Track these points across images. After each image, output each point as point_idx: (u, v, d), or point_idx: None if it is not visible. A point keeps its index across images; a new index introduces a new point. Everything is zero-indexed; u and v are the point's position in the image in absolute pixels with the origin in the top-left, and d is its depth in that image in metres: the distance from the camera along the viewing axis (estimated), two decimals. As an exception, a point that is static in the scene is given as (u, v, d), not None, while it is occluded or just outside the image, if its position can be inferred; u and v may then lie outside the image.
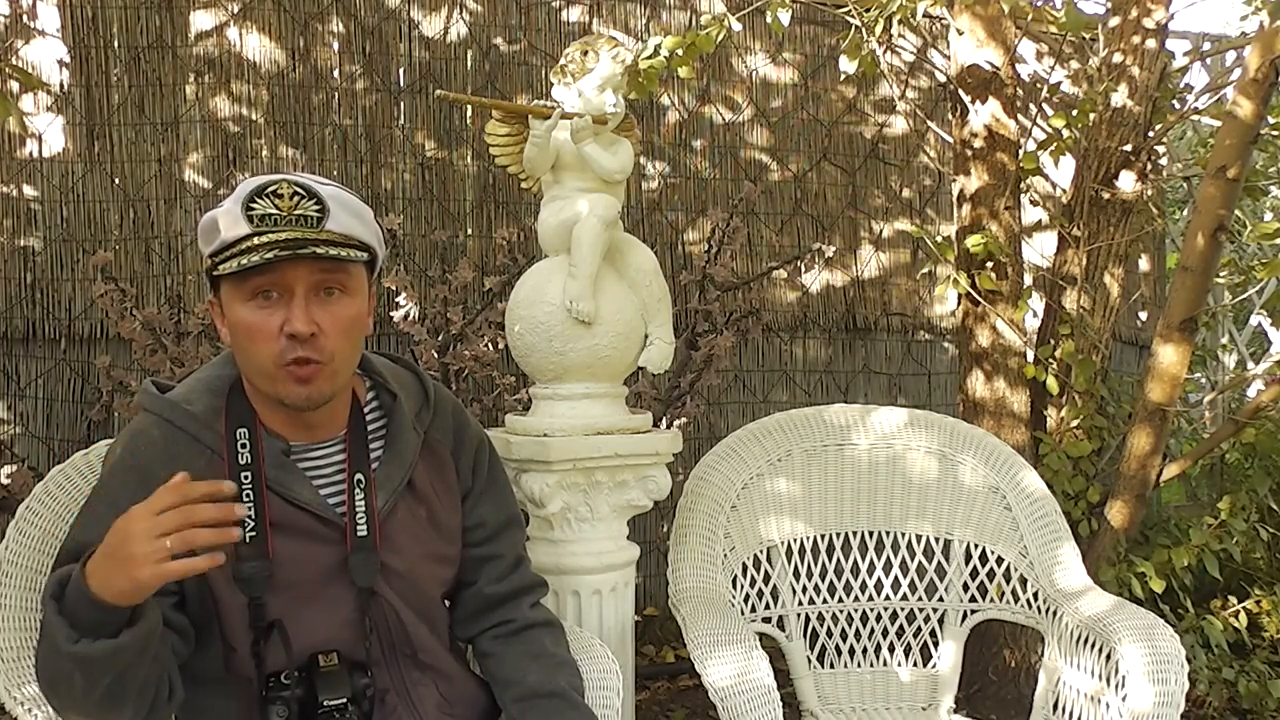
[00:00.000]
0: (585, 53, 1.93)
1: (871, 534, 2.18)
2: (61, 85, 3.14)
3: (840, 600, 2.16)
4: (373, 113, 3.32)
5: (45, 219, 3.15)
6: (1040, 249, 3.84)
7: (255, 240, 1.20)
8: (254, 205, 1.20)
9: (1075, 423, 2.81)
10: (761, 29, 3.68)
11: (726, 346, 3.03)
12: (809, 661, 2.13)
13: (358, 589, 1.30)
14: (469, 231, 3.44)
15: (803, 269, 3.76)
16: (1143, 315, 4.33)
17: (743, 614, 2.06)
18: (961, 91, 2.85)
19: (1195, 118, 3.42)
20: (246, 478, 1.26)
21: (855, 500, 2.20)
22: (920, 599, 2.16)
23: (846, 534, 2.18)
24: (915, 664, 2.16)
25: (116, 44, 3.16)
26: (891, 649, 2.16)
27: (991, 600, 2.12)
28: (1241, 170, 2.47)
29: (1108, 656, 1.74)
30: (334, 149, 3.28)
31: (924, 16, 3.21)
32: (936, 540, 2.17)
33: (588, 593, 1.92)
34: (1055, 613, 1.96)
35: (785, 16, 2.60)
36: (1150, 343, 2.73)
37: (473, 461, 1.45)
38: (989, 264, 2.79)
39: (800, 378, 3.82)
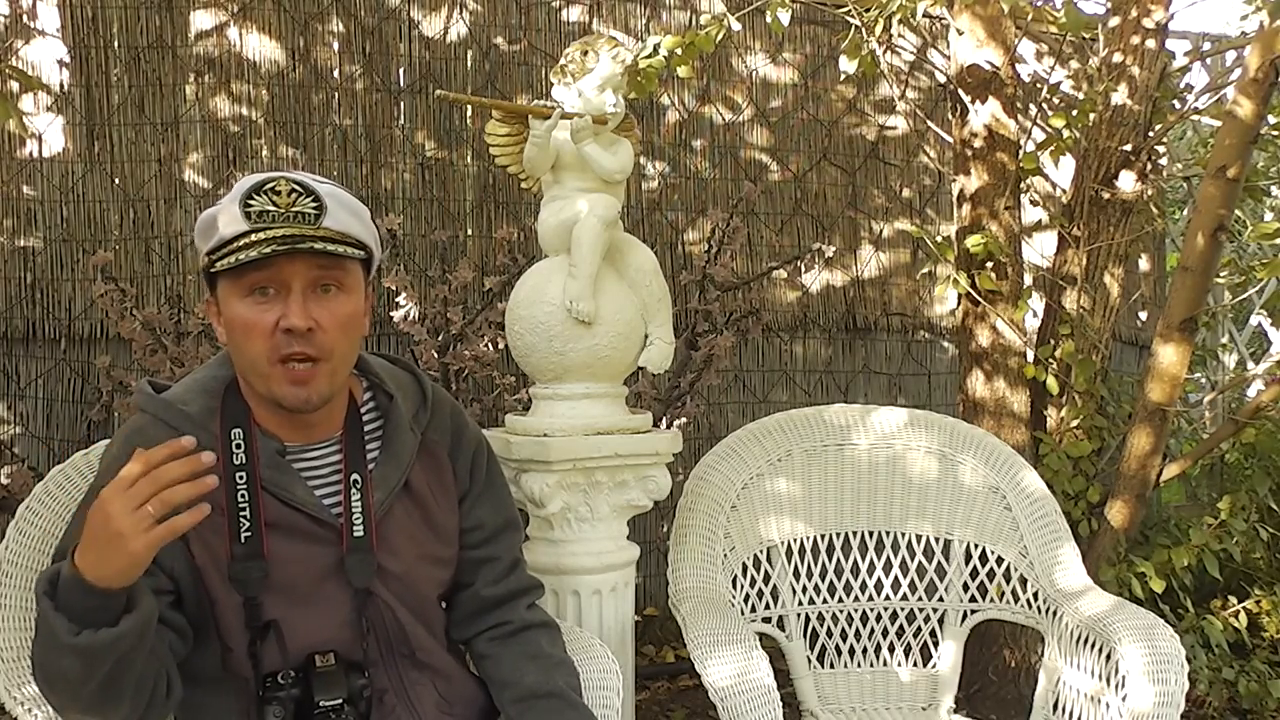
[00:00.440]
0: (585, 53, 1.93)
1: (871, 534, 2.18)
2: (61, 85, 3.14)
3: (840, 600, 2.16)
4: (373, 113, 3.32)
5: (45, 219, 3.15)
6: (1040, 249, 3.84)
7: (253, 236, 1.20)
8: (252, 202, 1.20)
9: (1075, 423, 2.81)
10: (761, 29, 3.68)
11: (726, 346, 3.03)
12: (809, 661, 2.12)
13: (354, 590, 1.30)
14: (469, 231, 3.44)
15: (803, 269, 3.76)
16: (1143, 315, 4.33)
17: (743, 614, 2.06)
18: (961, 91, 2.85)
19: (1195, 118, 3.42)
20: (241, 478, 1.26)
21: (855, 500, 2.20)
22: (920, 599, 2.16)
23: (846, 534, 2.18)
24: (915, 664, 2.16)
25: (116, 44, 3.16)
26: (891, 649, 2.16)
27: (991, 600, 2.12)
28: (1241, 170, 2.47)
29: (1108, 656, 1.74)
30: (334, 149, 3.28)
31: (924, 16, 3.21)
32: (936, 540, 2.17)
33: (588, 593, 1.92)
34: (1055, 613, 1.96)
35: (785, 16, 2.60)
36: (1150, 343, 2.73)
37: (470, 463, 1.45)
38: (989, 264, 2.79)
39: (800, 378, 3.82)
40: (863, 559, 2.18)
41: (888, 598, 2.17)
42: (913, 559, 2.17)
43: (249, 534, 1.25)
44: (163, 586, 1.24)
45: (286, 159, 3.22)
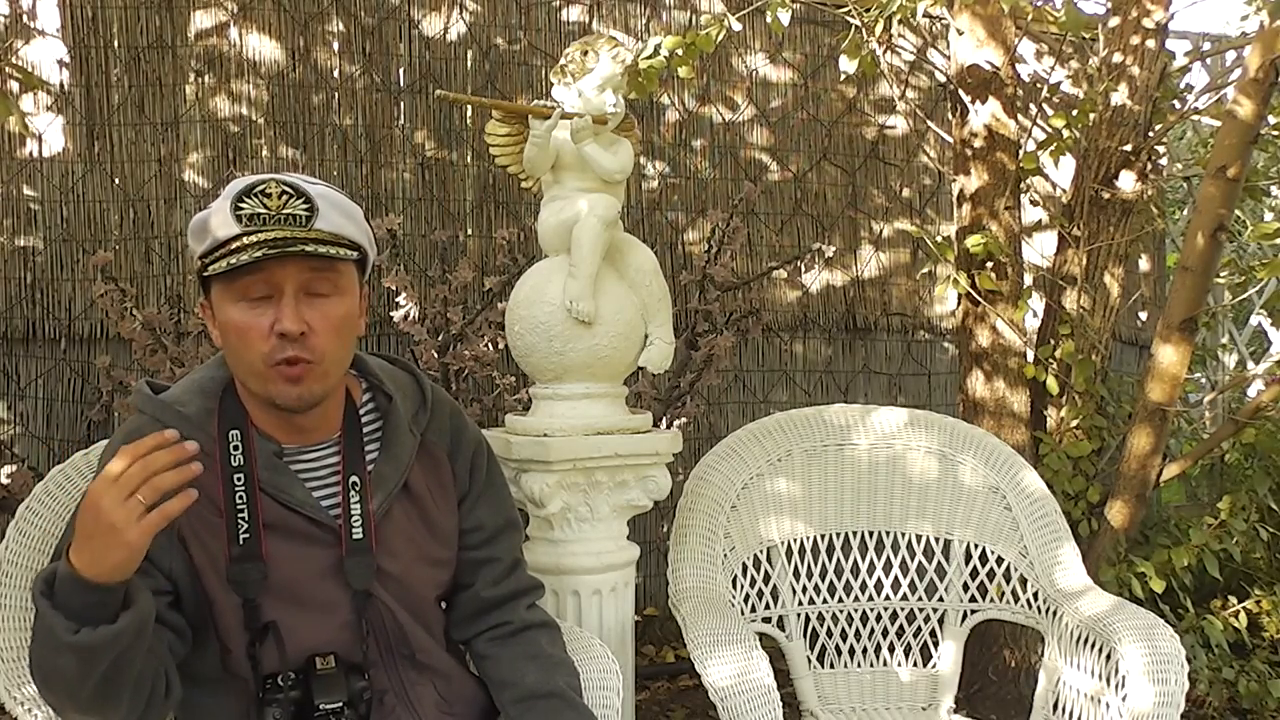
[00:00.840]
0: (585, 53, 1.93)
1: (871, 534, 2.18)
2: (61, 85, 3.14)
3: (840, 600, 2.16)
4: (373, 113, 3.32)
5: (45, 219, 3.15)
6: (1040, 249, 3.84)
7: (244, 240, 1.20)
8: (242, 205, 1.20)
9: (1075, 423, 2.81)
10: (761, 29, 3.68)
11: (726, 346, 3.03)
12: (809, 661, 2.12)
13: (353, 591, 1.30)
14: (469, 231, 3.44)
15: (803, 269, 3.76)
16: (1143, 315, 4.33)
17: (743, 614, 2.06)
18: (961, 91, 2.85)
19: (1195, 118, 3.42)
20: (239, 480, 1.26)
21: (855, 500, 2.20)
22: (920, 599, 2.16)
23: (846, 534, 2.18)
24: (915, 664, 2.16)
25: (116, 44, 3.16)
26: (891, 649, 2.16)
27: (991, 600, 2.12)
28: (1241, 170, 2.47)
29: (1108, 656, 1.74)
30: (334, 149, 3.28)
31: (924, 16, 3.21)
32: (936, 540, 2.17)
33: (588, 593, 1.92)
34: (1055, 613, 1.96)
35: (785, 16, 2.60)
36: (1150, 343, 2.73)
37: (470, 464, 1.45)
38: (989, 264, 2.79)
39: (800, 378, 3.82)
40: (863, 559, 2.18)
41: (888, 598, 2.17)
42: (913, 559, 2.17)
43: (247, 535, 1.25)
44: (161, 587, 1.24)
45: (286, 159, 3.21)
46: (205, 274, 1.24)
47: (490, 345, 2.80)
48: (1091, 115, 2.84)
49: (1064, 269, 2.88)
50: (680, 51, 2.53)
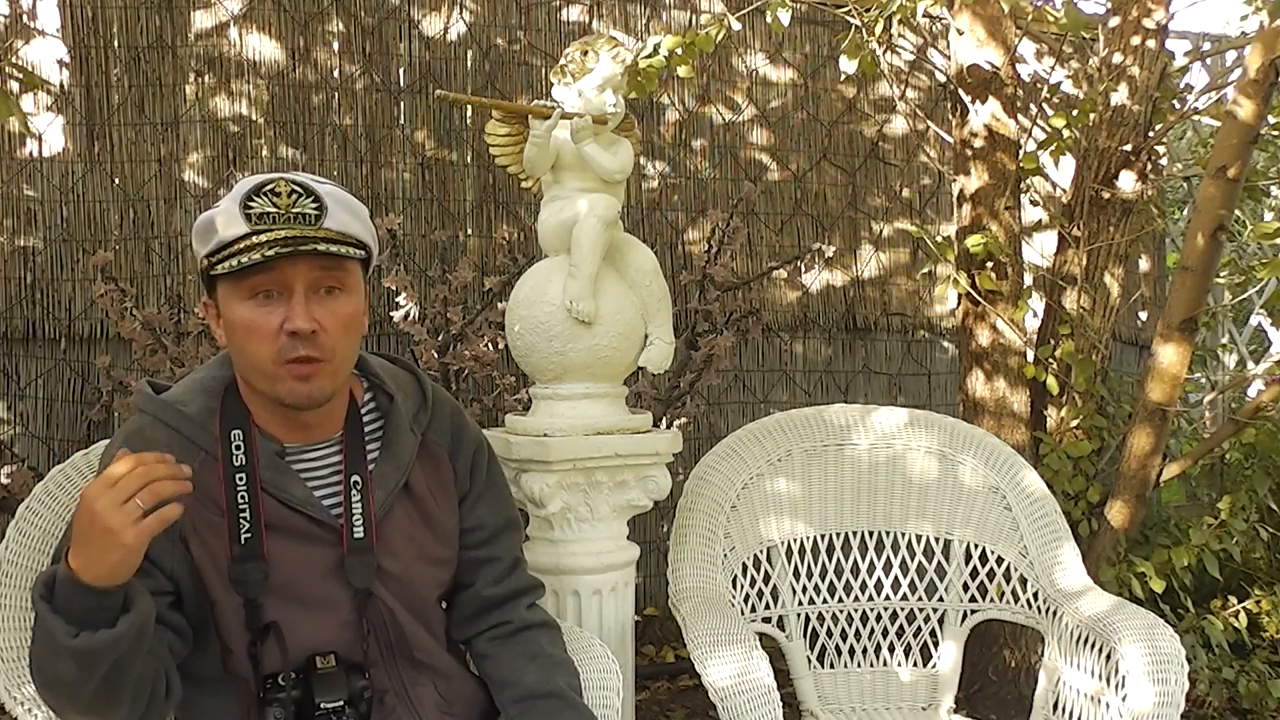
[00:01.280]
0: (585, 53, 1.93)
1: (871, 534, 2.18)
2: (61, 85, 3.14)
3: (840, 600, 2.16)
4: (373, 113, 3.32)
5: (45, 219, 3.15)
6: (1040, 249, 3.84)
7: (254, 239, 1.20)
8: (252, 204, 1.20)
9: (1075, 423, 2.81)
10: (761, 28, 3.68)
11: (726, 346, 3.03)
12: (809, 661, 2.12)
13: (354, 591, 1.30)
14: (469, 231, 3.44)
15: (803, 269, 3.76)
16: (1143, 315, 4.33)
17: (743, 614, 2.06)
18: (961, 91, 2.85)
19: (1195, 118, 3.42)
20: (241, 479, 1.26)
21: (855, 500, 2.20)
22: (920, 599, 2.16)
23: (846, 534, 2.18)
24: (915, 664, 2.16)
25: (116, 44, 3.16)
26: (891, 649, 2.16)
27: (991, 600, 2.12)
28: (1241, 170, 2.47)
29: (1108, 656, 1.74)
30: (334, 149, 3.28)
31: (924, 16, 3.21)
32: (936, 540, 2.17)
33: (588, 593, 1.92)
34: (1055, 613, 1.96)
35: (785, 16, 2.60)
36: (1150, 343, 2.73)
37: (470, 463, 1.45)
38: (989, 264, 2.79)
39: (800, 378, 3.82)
40: (863, 559, 2.18)
41: (888, 598, 2.17)
42: (913, 559, 2.17)
43: (249, 535, 1.25)
44: (162, 587, 1.24)
45: (286, 159, 3.21)
46: (213, 273, 1.24)
47: (490, 345, 2.80)
48: (1091, 115, 2.84)
49: (1064, 269, 2.88)
50: (680, 51, 2.54)
